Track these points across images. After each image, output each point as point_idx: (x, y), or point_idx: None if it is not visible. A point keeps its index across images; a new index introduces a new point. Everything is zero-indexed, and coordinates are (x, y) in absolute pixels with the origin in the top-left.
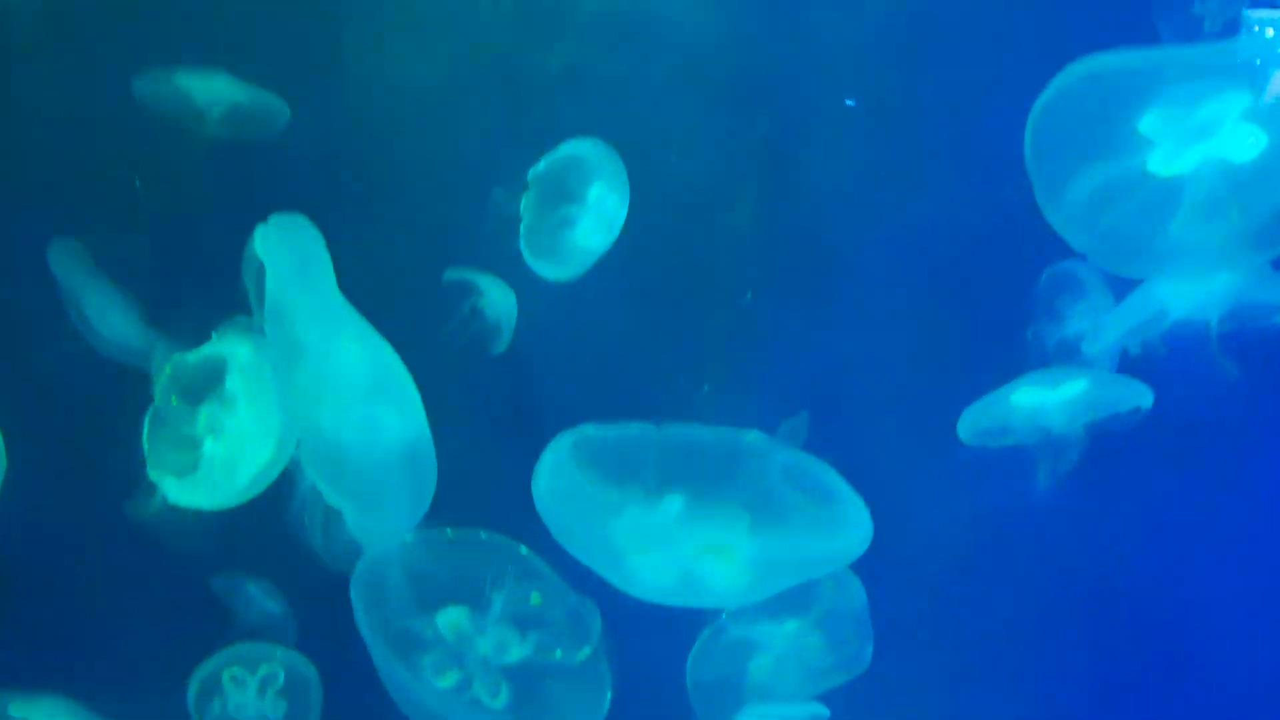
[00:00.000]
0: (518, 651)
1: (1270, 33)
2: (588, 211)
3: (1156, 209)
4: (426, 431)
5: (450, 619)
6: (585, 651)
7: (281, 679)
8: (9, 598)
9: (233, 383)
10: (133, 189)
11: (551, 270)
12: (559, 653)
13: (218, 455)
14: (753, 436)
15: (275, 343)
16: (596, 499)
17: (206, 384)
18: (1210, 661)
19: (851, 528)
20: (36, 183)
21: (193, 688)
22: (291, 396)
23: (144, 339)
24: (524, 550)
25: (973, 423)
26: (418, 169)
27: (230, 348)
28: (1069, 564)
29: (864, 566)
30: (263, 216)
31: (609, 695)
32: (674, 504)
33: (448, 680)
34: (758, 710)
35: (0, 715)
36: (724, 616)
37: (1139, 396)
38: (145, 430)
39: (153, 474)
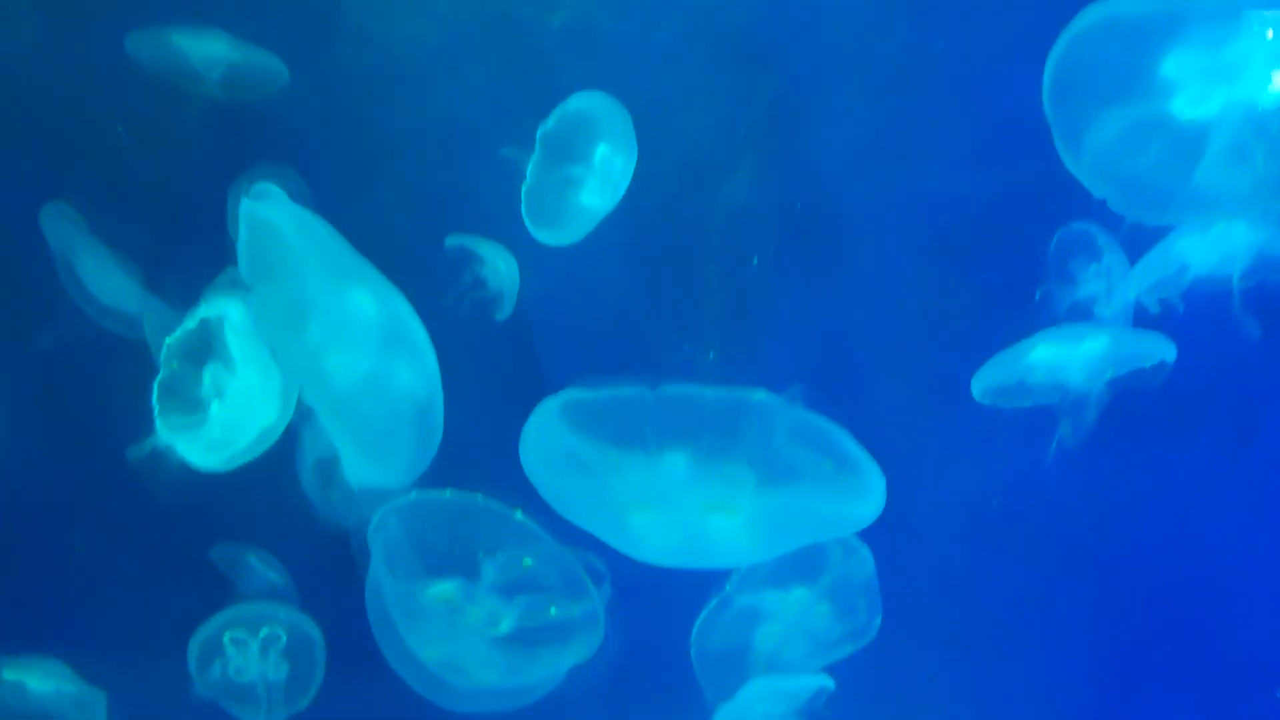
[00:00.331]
0: (508, 624)
1: (1270, 34)
2: (593, 172)
3: (1180, 154)
4: (438, 386)
5: (442, 592)
6: (581, 607)
7: (284, 640)
8: (7, 562)
9: (231, 343)
10: (125, 145)
11: (553, 234)
12: (553, 610)
13: (224, 416)
14: (760, 395)
15: (276, 301)
16: (593, 461)
17: (205, 346)
18: (1224, 628)
19: (865, 492)
20: (30, 145)
21: (193, 651)
22: (296, 351)
23: (140, 303)
24: (519, 515)
25: (988, 381)
26: (419, 131)
27: (223, 308)
28: (1081, 530)
29: (872, 533)
30: (261, 179)
31: (602, 635)
32: (677, 462)
33: (439, 648)
34: (763, 683)
35: None
36: (729, 587)
37: (1162, 350)
38: (154, 396)
39: (164, 438)
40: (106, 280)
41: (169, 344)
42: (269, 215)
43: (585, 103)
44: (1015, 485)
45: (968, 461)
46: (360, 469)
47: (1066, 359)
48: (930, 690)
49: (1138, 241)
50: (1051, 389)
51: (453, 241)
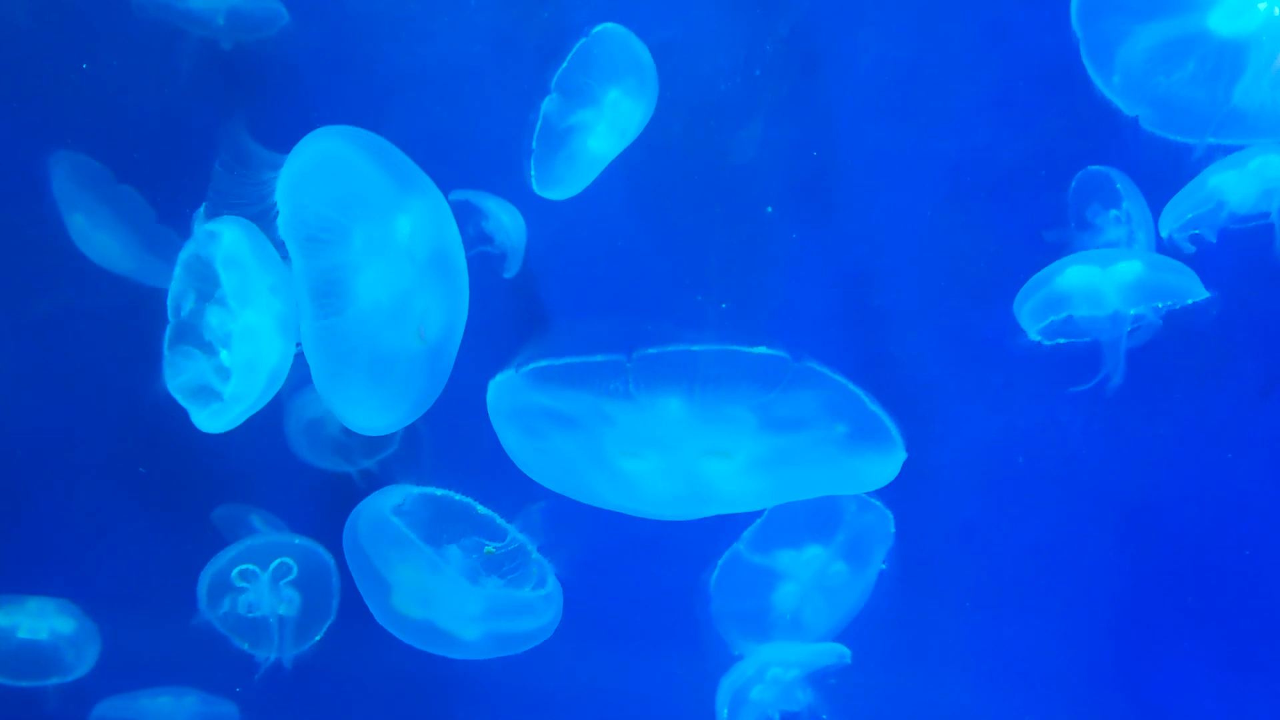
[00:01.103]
0: (475, 606)
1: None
2: (602, 117)
3: (1217, 72)
4: (460, 330)
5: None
6: (543, 589)
7: (295, 571)
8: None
9: (227, 279)
10: (131, 94)
11: (560, 181)
12: (528, 589)
13: (234, 360)
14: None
15: (307, 225)
16: (579, 414)
17: (206, 287)
18: (1248, 582)
19: (882, 452)
20: (32, 92)
21: (202, 586)
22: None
23: (146, 252)
24: (481, 509)
25: (1027, 305)
26: (423, 75)
27: (217, 242)
28: (1104, 481)
29: (891, 485)
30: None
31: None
32: (670, 406)
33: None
34: (779, 650)
35: None
36: (740, 545)
37: (1196, 285)
38: (166, 343)
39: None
40: (100, 240)
41: (169, 301)
42: (330, 143)
43: (601, 42)
44: (1037, 435)
45: (988, 412)
46: (363, 405)
47: (1101, 283)
48: (950, 645)
49: (1163, 182)
50: (1087, 318)
51: (457, 196)
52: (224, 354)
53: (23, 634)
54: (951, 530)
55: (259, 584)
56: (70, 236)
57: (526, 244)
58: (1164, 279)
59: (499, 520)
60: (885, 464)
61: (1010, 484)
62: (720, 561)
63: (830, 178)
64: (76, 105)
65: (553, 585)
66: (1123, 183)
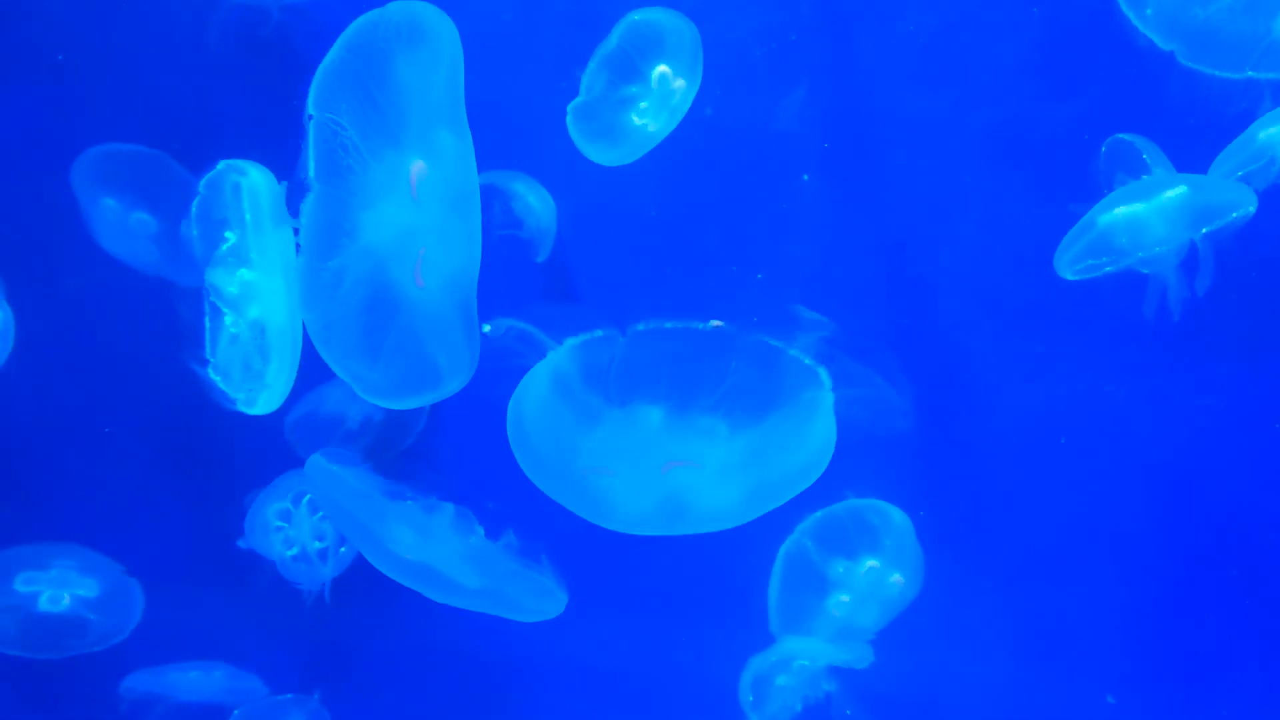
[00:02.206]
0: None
1: None
2: (651, 93)
3: (1255, 1)
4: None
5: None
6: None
7: None
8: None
9: (233, 237)
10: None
11: (604, 153)
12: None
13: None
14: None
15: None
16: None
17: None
18: None
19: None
20: (60, 67)
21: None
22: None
23: (157, 258)
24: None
25: (1069, 250)
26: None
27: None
28: (1147, 453)
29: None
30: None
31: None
32: (650, 416)
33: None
34: (812, 645)
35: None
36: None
37: (1245, 200)
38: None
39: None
40: (120, 236)
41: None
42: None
43: (651, 19)
44: (1080, 406)
45: (1029, 381)
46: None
47: (1147, 214)
48: (988, 623)
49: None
50: (1135, 252)
51: (483, 179)
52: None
53: (44, 605)
54: (990, 502)
55: (297, 518)
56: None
57: (557, 223)
58: (1212, 197)
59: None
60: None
61: (1052, 455)
62: (782, 551)
63: (868, 145)
64: (104, 76)
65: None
66: (1150, 152)
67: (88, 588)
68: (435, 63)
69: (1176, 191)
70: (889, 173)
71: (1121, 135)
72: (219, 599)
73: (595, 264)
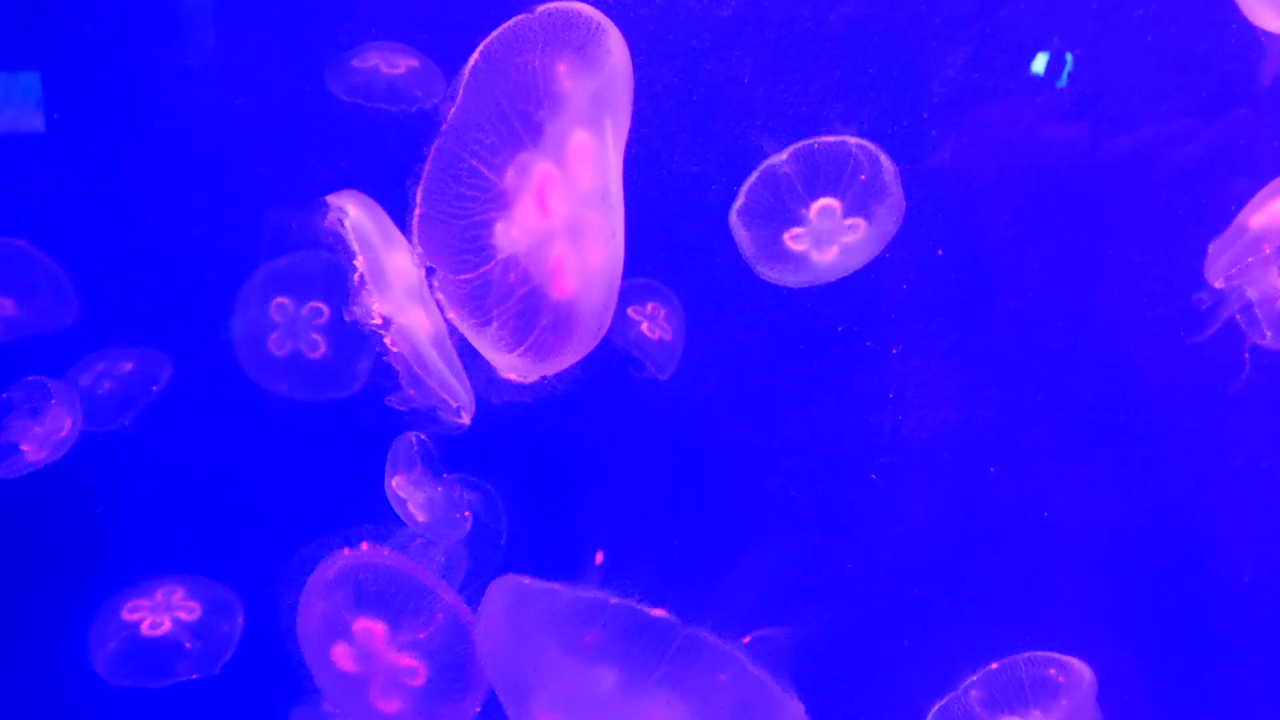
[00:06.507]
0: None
1: None
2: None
3: None
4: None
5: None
6: None
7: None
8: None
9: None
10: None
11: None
12: None
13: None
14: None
15: None
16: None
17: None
18: None
19: None
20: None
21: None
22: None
23: None
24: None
25: (1220, 261)
26: None
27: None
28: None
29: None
30: None
31: None
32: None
33: None
34: None
35: None
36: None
37: None
38: None
39: None
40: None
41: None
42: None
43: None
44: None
45: (1155, 416)
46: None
47: None
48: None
49: None
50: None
51: None
52: None
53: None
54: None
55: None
56: None
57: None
58: None
59: None
60: None
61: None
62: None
63: (999, 181)
64: None
65: None
66: None
67: (189, 611)
68: None
69: None
70: (1012, 210)
71: None
72: None
73: None
